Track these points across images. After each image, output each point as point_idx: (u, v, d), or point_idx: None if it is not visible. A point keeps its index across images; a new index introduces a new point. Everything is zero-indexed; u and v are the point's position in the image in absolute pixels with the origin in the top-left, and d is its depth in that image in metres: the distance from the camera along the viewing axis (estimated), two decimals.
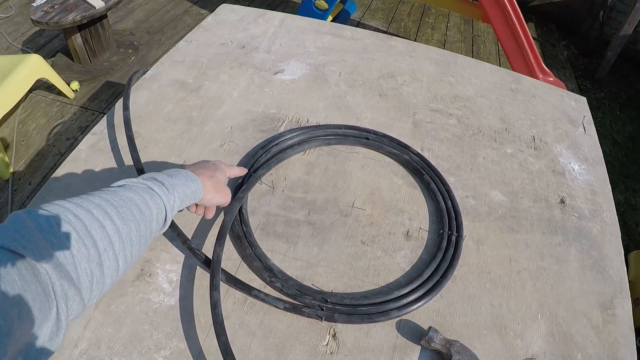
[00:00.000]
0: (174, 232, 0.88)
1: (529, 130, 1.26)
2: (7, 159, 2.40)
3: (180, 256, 0.88)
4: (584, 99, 1.43)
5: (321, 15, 3.33)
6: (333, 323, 0.82)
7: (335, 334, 0.81)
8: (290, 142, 1.08)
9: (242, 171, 0.91)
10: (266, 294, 0.82)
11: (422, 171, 1.05)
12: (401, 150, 1.09)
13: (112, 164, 1.02)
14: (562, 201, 1.11)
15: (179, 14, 3.97)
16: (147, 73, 1.26)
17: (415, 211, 1.01)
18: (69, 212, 0.49)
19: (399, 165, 1.09)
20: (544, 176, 1.15)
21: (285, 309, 0.81)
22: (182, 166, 0.80)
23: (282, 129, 1.15)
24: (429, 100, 1.28)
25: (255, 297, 0.81)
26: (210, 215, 0.83)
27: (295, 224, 0.96)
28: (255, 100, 1.21)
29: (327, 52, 1.42)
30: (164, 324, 0.78)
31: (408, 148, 1.10)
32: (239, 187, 0.96)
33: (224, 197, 0.81)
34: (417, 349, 0.81)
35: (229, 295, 0.83)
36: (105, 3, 2.79)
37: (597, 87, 4.11)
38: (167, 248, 0.89)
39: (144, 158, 1.01)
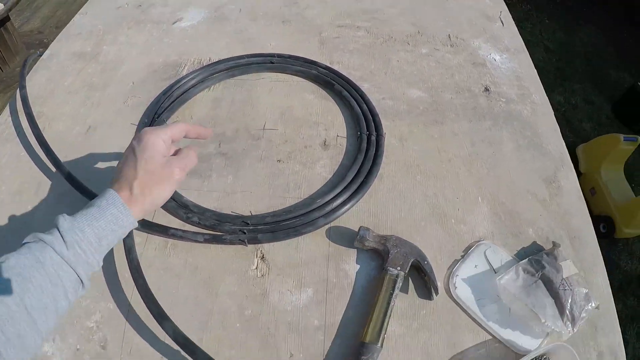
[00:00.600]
0: (79, 189, 0.79)
1: (443, 30, 1.20)
2: None
3: None
4: None
5: None
6: (259, 245, 0.75)
7: (263, 255, 0.74)
8: (192, 82, 0.99)
9: (181, 127, 0.65)
10: (184, 231, 0.74)
11: (333, 82, 0.97)
12: (308, 67, 1.01)
13: (20, 149, 0.90)
14: (487, 89, 1.05)
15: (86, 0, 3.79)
16: (44, 53, 1.15)
17: (330, 121, 0.93)
18: None
19: (308, 81, 1.01)
20: (464, 69, 1.09)
21: (205, 241, 0.73)
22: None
23: (184, 73, 1.05)
24: (335, 19, 1.20)
25: (173, 236, 0.74)
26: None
27: (206, 158, 0.87)
28: (155, 53, 1.11)
29: None
30: (90, 289, 0.68)
31: (315, 63, 1.02)
32: None
33: (169, 182, 0.60)
34: (353, 252, 0.75)
35: (149, 243, 0.75)
36: (4, 4, 2.61)
37: (524, 0, 4.18)
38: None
39: (49, 135, 0.90)
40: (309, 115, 0.94)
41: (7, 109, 1.00)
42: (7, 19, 2.78)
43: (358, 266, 0.73)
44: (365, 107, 0.92)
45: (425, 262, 0.71)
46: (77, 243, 0.50)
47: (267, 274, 0.72)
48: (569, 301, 0.73)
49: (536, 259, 0.77)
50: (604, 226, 2.63)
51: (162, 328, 0.62)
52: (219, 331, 0.66)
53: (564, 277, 0.74)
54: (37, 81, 1.05)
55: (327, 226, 0.77)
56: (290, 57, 1.04)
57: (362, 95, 0.95)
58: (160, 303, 0.64)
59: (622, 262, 2.59)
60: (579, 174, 2.80)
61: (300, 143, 0.89)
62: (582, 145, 2.86)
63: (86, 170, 0.85)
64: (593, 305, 0.74)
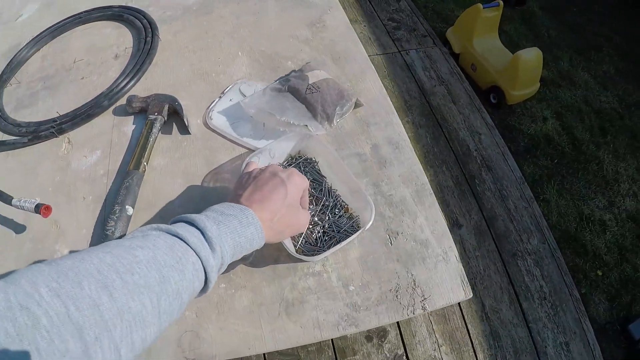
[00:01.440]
0: None
1: None
2: None
3: None
4: None
5: None
6: (66, 134, 0.96)
7: (69, 140, 0.96)
8: (26, 49, 1.19)
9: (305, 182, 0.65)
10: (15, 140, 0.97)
11: (122, 14, 1.20)
12: (104, 11, 1.24)
13: None
14: None
15: None
16: None
17: (121, 42, 1.15)
18: (43, 285, 0.35)
19: (107, 21, 1.23)
20: None
21: (29, 141, 0.95)
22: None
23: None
24: None
25: (8, 145, 0.96)
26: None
27: (36, 94, 1.09)
28: (2, 44, 1.31)
29: None
30: None
31: (111, 7, 1.25)
32: None
33: (298, 227, 0.62)
34: (131, 118, 0.97)
35: None
36: None
37: None
38: None
39: None
40: (106, 44, 1.16)
41: None
42: None
43: (134, 126, 0.95)
44: (145, 21, 1.14)
45: (177, 103, 0.92)
46: (222, 255, 0.49)
47: (71, 150, 0.94)
48: (319, 102, 0.88)
49: (284, 78, 0.95)
50: (494, 96, 2.68)
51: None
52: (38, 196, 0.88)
53: (310, 83, 0.91)
54: None
55: (112, 107, 0.99)
56: (94, 9, 1.26)
57: (144, 14, 1.17)
58: None
59: (524, 127, 2.67)
60: (456, 57, 2.89)
61: (99, 62, 1.11)
62: (450, 28, 2.93)
63: None
64: (352, 101, 0.89)
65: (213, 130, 0.92)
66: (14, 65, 1.17)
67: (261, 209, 0.56)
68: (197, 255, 0.47)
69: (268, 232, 0.56)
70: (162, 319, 0.42)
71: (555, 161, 2.53)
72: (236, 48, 1.06)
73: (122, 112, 0.98)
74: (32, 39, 1.23)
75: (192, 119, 0.93)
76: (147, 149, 0.87)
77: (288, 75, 0.98)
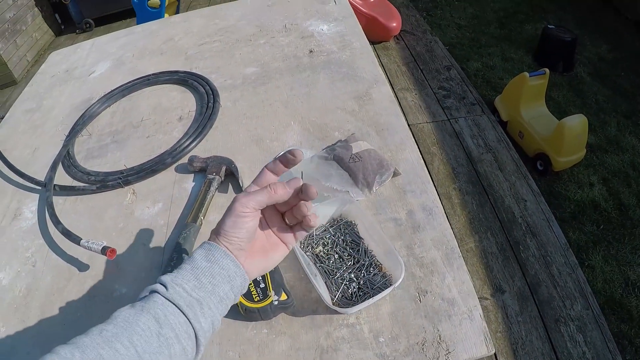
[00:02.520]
0: (27, 179, 1.14)
1: (280, 23, 1.54)
2: None
3: (37, 192, 1.12)
4: None
5: (156, 13, 3.59)
6: (131, 185, 1.06)
7: (134, 191, 1.05)
8: (97, 105, 1.34)
9: (265, 193, 0.54)
10: (85, 187, 1.08)
11: (187, 79, 1.32)
12: (172, 75, 1.37)
13: None
14: (311, 51, 1.37)
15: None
16: (5, 116, 1.50)
17: (185, 104, 1.27)
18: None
19: (173, 85, 1.36)
20: (293, 43, 1.42)
21: (97, 189, 1.07)
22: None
23: (93, 101, 1.40)
24: (198, 41, 1.56)
25: (78, 191, 1.07)
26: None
27: (105, 147, 1.20)
28: (76, 96, 1.45)
29: (123, 47, 1.67)
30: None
31: (177, 72, 1.37)
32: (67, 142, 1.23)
33: (276, 246, 0.59)
34: (190, 177, 1.06)
35: (67, 201, 1.07)
36: None
37: None
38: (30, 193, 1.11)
39: (9, 155, 1.22)
40: (172, 105, 1.28)
41: None
42: None
43: (194, 183, 1.04)
44: (208, 87, 1.26)
45: (233, 166, 1.01)
46: (203, 318, 0.50)
47: (135, 200, 1.03)
48: (360, 170, 0.95)
49: (330, 147, 1.03)
50: (541, 163, 2.68)
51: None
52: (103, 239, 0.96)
53: (354, 152, 0.98)
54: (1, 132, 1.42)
55: (175, 164, 1.09)
56: (161, 73, 1.40)
57: (207, 81, 1.29)
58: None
59: (570, 193, 2.63)
60: (504, 125, 2.92)
61: (164, 120, 1.23)
62: (498, 97, 2.97)
63: (33, 171, 1.17)
64: (390, 171, 0.96)
65: None
66: (86, 118, 1.29)
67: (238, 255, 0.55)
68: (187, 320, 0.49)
69: (248, 264, 0.56)
70: None
71: (602, 227, 2.46)
72: (289, 117, 1.16)
73: (183, 169, 1.08)
74: (104, 95, 1.36)
75: (247, 180, 1.01)
76: (205, 205, 0.95)
77: (334, 144, 1.05)
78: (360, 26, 1.46)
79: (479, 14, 4.08)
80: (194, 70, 1.39)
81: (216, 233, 0.54)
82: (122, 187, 1.06)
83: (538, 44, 3.48)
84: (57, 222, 0.97)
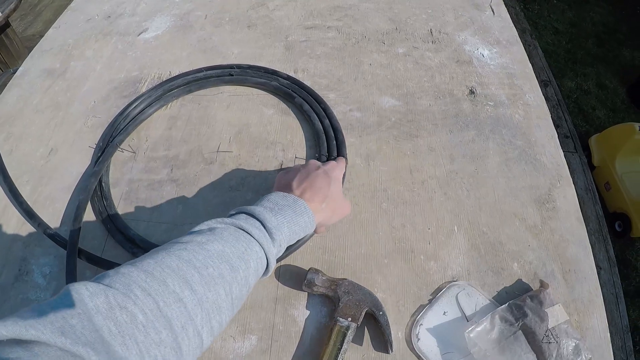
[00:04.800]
0: (34, 223, 0.75)
1: (424, 25, 1.08)
2: None
3: (51, 246, 0.74)
4: None
5: None
6: None
7: None
8: (149, 100, 0.91)
9: (343, 163, 0.73)
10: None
11: (293, 94, 0.87)
12: (269, 78, 0.91)
13: None
14: (472, 91, 0.93)
15: None
16: (18, 70, 1.08)
17: (289, 140, 0.83)
18: (136, 286, 0.40)
19: (268, 94, 0.91)
20: (446, 69, 0.97)
21: None
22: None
23: (143, 89, 0.96)
24: (304, 19, 1.09)
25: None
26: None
27: (158, 186, 0.80)
28: (118, 68, 1.03)
29: None
30: None
31: (277, 73, 0.92)
32: (97, 159, 0.82)
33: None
34: (303, 296, 0.67)
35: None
36: (1, 13, 2.57)
37: None
38: (39, 241, 0.75)
39: (16, 157, 0.87)
40: (266, 133, 0.84)
41: None
42: (7, 25, 2.75)
43: (308, 312, 0.65)
44: (327, 122, 0.82)
45: (381, 313, 0.62)
46: (280, 242, 0.53)
47: None
48: (554, 356, 0.62)
49: (517, 304, 0.66)
50: (620, 224, 2.43)
51: None
52: None
53: (550, 327, 0.64)
54: (8, 100, 0.99)
55: (276, 265, 0.68)
56: (250, 67, 0.94)
57: (325, 109, 0.85)
58: None
59: None
60: (592, 167, 2.61)
61: (255, 166, 0.80)
62: (595, 136, 2.65)
63: (44, 195, 0.81)
64: (584, 359, 0.63)
65: (418, 356, 0.62)
66: (129, 120, 0.85)
67: (311, 199, 0.59)
68: (260, 245, 0.51)
69: (318, 218, 0.59)
70: (234, 304, 0.47)
71: None
72: (452, 216, 0.75)
73: (287, 276, 0.68)
74: (160, 84, 0.92)
75: (392, 327, 0.63)
76: None
77: (523, 301, 0.67)
78: (529, 63, 1.02)
79: (577, 21, 3.62)
80: (299, 76, 0.93)
81: (321, 202, 0.60)
82: None
83: (637, 80, 3.07)
84: None
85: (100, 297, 0.37)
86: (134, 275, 0.41)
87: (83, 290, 0.37)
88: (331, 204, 0.62)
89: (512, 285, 0.69)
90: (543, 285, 0.68)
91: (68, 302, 0.36)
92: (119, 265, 0.65)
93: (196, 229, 0.52)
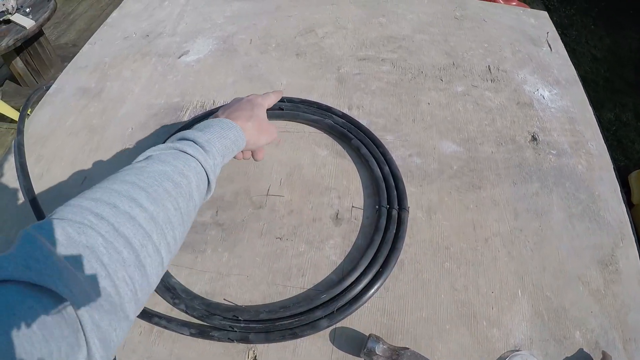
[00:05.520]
0: None
1: (482, 60, 1.03)
2: None
3: None
4: (544, 14, 1.20)
5: None
6: (250, 345, 0.64)
7: (255, 356, 0.63)
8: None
9: (278, 95, 0.79)
10: (169, 320, 0.65)
11: (350, 135, 0.83)
12: (322, 115, 0.88)
13: (19, 197, 0.83)
14: (534, 138, 0.89)
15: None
16: (51, 87, 1.06)
17: (345, 186, 0.79)
18: (88, 213, 0.41)
19: (322, 133, 0.88)
20: (507, 112, 0.93)
21: (191, 335, 0.64)
22: (185, 127, 0.78)
23: (185, 118, 0.93)
24: (357, 49, 1.05)
25: (157, 324, 0.65)
26: (260, 156, 0.74)
27: (201, 229, 0.76)
28: (157, 92, 1.00)
29: (236, 20, 1.19)
30: None
31: (331, 110, 0.88)
32: None
33: (269, 134, 0.71)
34: None
35: (135, 326, 0.66)
36: (35, 21, 2.59)
37: (566, 4, 3.85)
38: None
39: (47, 181, 0.84)
40: (320, 177, 0.81)
41: (11, 148, 0.91)
42: (40, 33, 2.81)
43: None
44: (387, 168, 0.78)
45: None
46: (214, 155, 0.56)
47: None
48: None
49: None
50: None
51: None
52: None
53: None
54: (41, 118, 0.97)
55: (330, 327, 0.64)
56: (302, 102, 0.90)
57: (384, 153, 0.81)
58: None
59: None
60: (630, 205, 2.49)
61: (308, 215, 0.76)
62: (635, 173, 2.53)
63: None
64: None
65: None
66: None
67: (235, 118, 0.65)
68: (197, 160, 0.53)
69: (246, 134, 0.64)
70: (184, 219, 0.48)
71: None
72: (515, 278, 0.71)
73: (343, 340, 0.64)
74: (203, 113, 0.89)
75: None
76: None
77: None
78: (589, 106, 0.98)
79: (615, 48, 3.52)
80: (354, 113, 0.90)
81: (246, 121, 0.67)
82: (233, 342, 0.63)
83: None
84: None
85: (57, 230, 0.38)
86: (84, 204, 0.42)
87: (38, 230, 0.37)
88: (256, 123, 0.68)
89: (574, 355, 0.64)
90: (605, 357, 0.64)
91: (28, 242, 0.36)
92: (154, 314, 0.66)
93: (139, 157, 0.53)
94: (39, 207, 0.76)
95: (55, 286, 0.34)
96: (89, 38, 1.18)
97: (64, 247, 0.37)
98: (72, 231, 0.38)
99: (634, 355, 0.65)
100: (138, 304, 0.41)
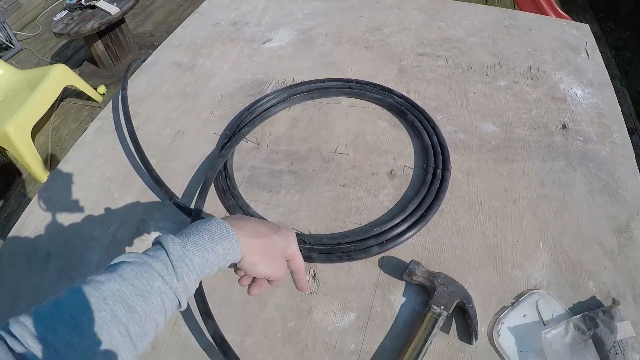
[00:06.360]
0: (161, 190, 0.90)
1: (524, 62, 1.19)
2: (42, 164, 2.53)
3: (172, 213, 0.89)
4: (586, 26, 1.34)
5: None
6: (313, 264, 0.80)
7: (315, 274, 0.79)
8: (274, 100, 1.07)
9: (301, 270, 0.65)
10: None
11: (406, 111, 1.01)
12: (384, 95, 1.05)
13: (115, 142, 1.06)
14: (564, 126, 1.03)
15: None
16: (147, 60, 1.29)
17: (399, 151, 0.97)
18: (28, 335, 0.40)
19: (383, 109, 1.05)
20: (542, 104, 1.07)
21: None
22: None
23: (268, 91, 1.13)
24: (416, 46, 1.23)
25: None
26: (255, 291, 0.61)
27: (278, 175, 0.95)
28: (244, 69, 1.21)
29: (314, 16, 1.39)
30: None
31: (392, 92, 1.06)
32: (223, 145, 0.97)
33: (275, 268, 0.58)
34: (401, 285, 0.78)
35: None
36: (120, 9, 2.89)
37: (622, 26, 3.81)
38: (159, 207, 0.91)
39: (143, 133, 1.04)
40: (379, 142, 0.98)
41: (110, 105, 1.14)
42: (122, 21, 3.09)
43: (404, 299, 0.76)
44: (435, 139, 0.95)
45: (470, 305, 0.72)
46: (186, 274, 0.49)
47: (316, 292, 0.77)
48: None
49: (590, 315, 0.75)
50: None
51: (205, 325, 0.70)
52: (260, 337, 0.72)
53: (618, 339, 0.71)
54: (138, 84, 1.19)
55: (380, 255, 0.80)
56: (368, 83, 1.08)
57: (434, 127, 0.97)
58: (209, 302, 0.72)
59: None
60: None
61: (368, 170, 0.93)
62: None
63: (169, 169, 0.97)
64: None
65: (497, 351, 0.72)
66: (256, 115, 1.01)
67: (241, 227, 0.55)
68: (163, 279, 0.47)
69: (246, 249, 0.54)
70: (135, 342, 0.45)
71: None
72: (538, 234, 0.85)
73: (389, 266, 0.80)
74: (284, 88, 1.08)
75: (477, 321, 0.73)
76: (423, 352, 0.68)
77: (596, 313, 0.76)
78: (618, 106, 1.10)
79: None
80: (412, 96, 1.07)
81: (251, 237, 0.56)
82: None
83: None
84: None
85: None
86: (28, 324, 0.41)
87: None
88: (267, 245, 0.57)
89: (587, 301, 0.77)
90: (615, 302, 0.77)
91: None
92: None
93: (112, 262, 0.50)
94: (141, 150, 0.97)
95: None
96: (166, 30, 1.41)
97: None
98: (12, 349, 0.39)
99: None
100: None
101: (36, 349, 0.40)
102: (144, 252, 0.50)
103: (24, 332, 0.40)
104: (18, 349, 0.39)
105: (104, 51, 3.17)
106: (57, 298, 0.45)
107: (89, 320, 0.43)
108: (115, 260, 0.49)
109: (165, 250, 0.49)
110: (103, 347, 0.43)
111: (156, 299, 0.47)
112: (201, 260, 0.51)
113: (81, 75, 3.01)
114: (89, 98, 2.99)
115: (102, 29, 2.85)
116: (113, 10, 2.87)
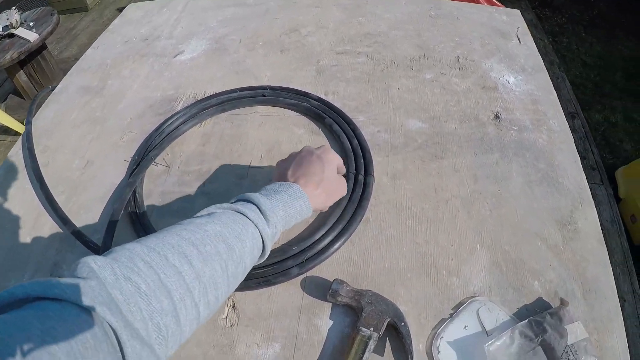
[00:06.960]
0: (68, 229, 0.80)
1: (452, 52, 1.11)
2: None
3: (84, 252, 0.78)
4: (517, 12, 1.28)
5: None
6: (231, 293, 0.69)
7: (234, 304, 0.70)
8: (184, 117, 0.97)
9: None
10: None
11: (324, 115, 0.92)
12: (300, 99, 0.96)
13: (25, 181, 0.93)
14: (497, 116, 0.96)
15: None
16: (56, 87, 1.17)
17: None
18: (139, 260, 0.44)
19: (299, 115, 0.96)
20: (472, 94, 1.00)
21: None
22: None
23: (179, 108, 1.03)
24: (335, 45, 1.15)
25: None
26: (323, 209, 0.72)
27: (190, 199, 0.84)
28: (154, 87, 1.10)
29: (228, 23, 1.30)
30: None
31: (308, 95, 0.97)
32: (132, 172, 0.87)
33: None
34: (327, 306, 0.69)
35: None
36: (39, 35, 2.73)
37: (558, 13, 3.93)
38: (71, 247, 0.80)
39: (52, 168, 0.94)
40: (296, 151, 0.88)
41: (19, 142, 1.02)
42: (43, 47, 2.92)
43: (331, 322, 0.67)
44: (355, 142, 0.86)
45: (402, 324, 0.64)
46: (275, 224, 0.57)
47: (237, 323, 0.67)
48: None
49: (537, 320, 0.67)
50: None
51: None
52: None
53: (569, 343, 0.64)
54: (47, 115, 1.07)
55: (302, 276, 0.71)
56: (282, 89, 0.99)
57: (354, 129, 0.88)
58: None
59: None
60: (618, 199, 2.58)
61: None
62: (621, 169, 2.62)
63: (78, 204, 0.86)
64: None
65: None
66: (165, 135, 0.90)
67: (305, 183, 0.63)
68: (256, 226, 0.54)
69: (314, 202, 0.63)
70: (230, 281, 0.50)
71: None
72: (474, 234, 0.77)
73: (312, 287, 0.70)
74: (195, 102, 0.97)
75: (413, 339, 0.64)
76: None
77: (543, 317, 0.68)
78: (554, 90, 1.04)
79: (606, 55, 3.60)
80: (330, 98, 0.98)
81: (316, 187, 0.66)
82: None
83: None
84: None
85: (107, 269, 0.41)
86: (138, 250, 0.44)
87: (92, 264, 0.41)
88: (326, 187, 0.67)
89: (533, 303, 0.69)
90: (563, 303, 0.69)
91: (83, 272, 0.40)
92: None
93: (198, 213, 0.56)
94: (47, 190, 0.85)
95: (103, 313, 0.37)
96: None
97: (110, 287, 0.39)
98: (120, 273, 0.41)
99: (594, 304, 0.70)
100: (168, 348, 0.43)
101: (147, 273, 0.43)
102: (229, 204, 0.57)
103: (134, 256, 0.44)
104: (129, 274, 0.42)
105: (28, 81, 3.00)
106: (163, 232, 0.50)
107: (197, 253, 0.47)
108: (205, 211, 0.56)
109: (256, 204, 0.57)
110: (207, 277, 0.47)
111: (250, 242, 0.53)
112: (284, 214, 0.59)
113: (7, 109, 2.83)
114: (16, 133, 2.81)
115: (22, 58, 2.69)
116: (32, 37, 2.71)
